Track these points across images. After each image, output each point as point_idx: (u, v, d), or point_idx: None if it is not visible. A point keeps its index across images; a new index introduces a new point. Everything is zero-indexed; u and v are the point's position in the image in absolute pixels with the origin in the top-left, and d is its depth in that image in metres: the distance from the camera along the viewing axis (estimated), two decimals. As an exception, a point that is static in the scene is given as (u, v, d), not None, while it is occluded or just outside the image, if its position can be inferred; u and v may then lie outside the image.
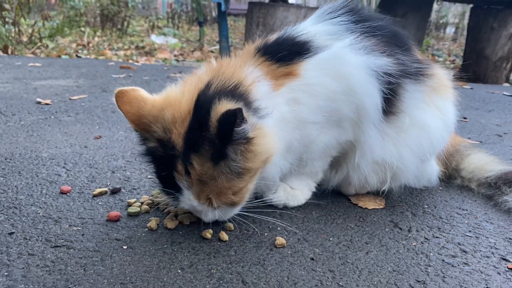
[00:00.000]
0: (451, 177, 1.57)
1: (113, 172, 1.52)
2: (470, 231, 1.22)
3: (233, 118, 0.92)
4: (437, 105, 1.31)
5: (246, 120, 0.95)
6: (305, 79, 1.16)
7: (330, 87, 1.16)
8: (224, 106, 0.94)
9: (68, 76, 3.45)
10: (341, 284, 0.95)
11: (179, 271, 0.97)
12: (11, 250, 1.02)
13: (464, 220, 1.28)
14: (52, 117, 2.23)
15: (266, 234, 1.15)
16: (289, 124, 1.16)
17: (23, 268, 0.95)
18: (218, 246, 1.08)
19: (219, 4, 5.42)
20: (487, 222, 1.28)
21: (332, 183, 1.38)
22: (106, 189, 1.36)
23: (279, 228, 1.18)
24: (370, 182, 1.35)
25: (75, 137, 1.91)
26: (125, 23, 7.59)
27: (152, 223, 1.15)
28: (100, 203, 1.28)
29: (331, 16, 1.26)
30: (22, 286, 0.89)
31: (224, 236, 1.11)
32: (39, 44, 5.69)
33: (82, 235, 1.10)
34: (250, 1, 5.93)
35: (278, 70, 1.16)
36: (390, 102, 1.21)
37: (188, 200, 1.04)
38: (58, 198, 1.30)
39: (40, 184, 1.39)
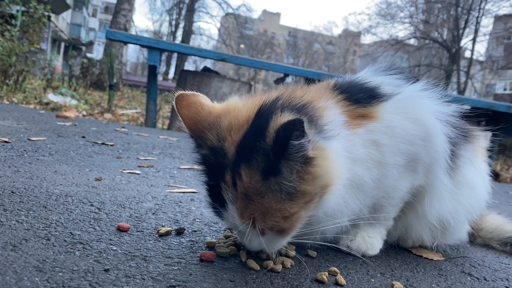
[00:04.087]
0: (471, 236, 1.66)
1: (153, 213, 1.34)
2: (533, 281, 1.29)
3: (291, 129, 0.85)
4: (478, 165, 1.41)
5: (306, 136, 0.89)
6: (385, 121, 1.16)
7: (409, 130, 1.17)
8: (285, 117, 0.87)
9: (5, 118, 3.05)
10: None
11: (329, 313, 0.86)
12: (124, 288, 0.82)
13: (517, 272, 1.36)
14: (26, 155, 1.92)
15: (376, 277, 1.09)
16: (364, 163, 1.13)
17: (158, 308, 0.77)
18: (341, 290, 0.99)
19: (152, 67, 5.34)
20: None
21: (393, 236, 1.37)
22: (170, 228, 1.18)
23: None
24: (424, 238, 1.37)
25: (72, 177, 1.66)
26: (20, 78, 6.85)
27: (253, 264, 1.02)
28: (175, 243, 1.11)
29: (387, 72, 1.32)
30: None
31: (342, 280, 1.02)
32: None
33: (190, 275, 0.93)
34: (182, 69, 5.97)
35: (356, 110, 1.15)
36: (450, 155, 1.27)
37: (232, 217, 0.94)
38: (123, 235, 1.10)
39: (84, 220, 1.17)
